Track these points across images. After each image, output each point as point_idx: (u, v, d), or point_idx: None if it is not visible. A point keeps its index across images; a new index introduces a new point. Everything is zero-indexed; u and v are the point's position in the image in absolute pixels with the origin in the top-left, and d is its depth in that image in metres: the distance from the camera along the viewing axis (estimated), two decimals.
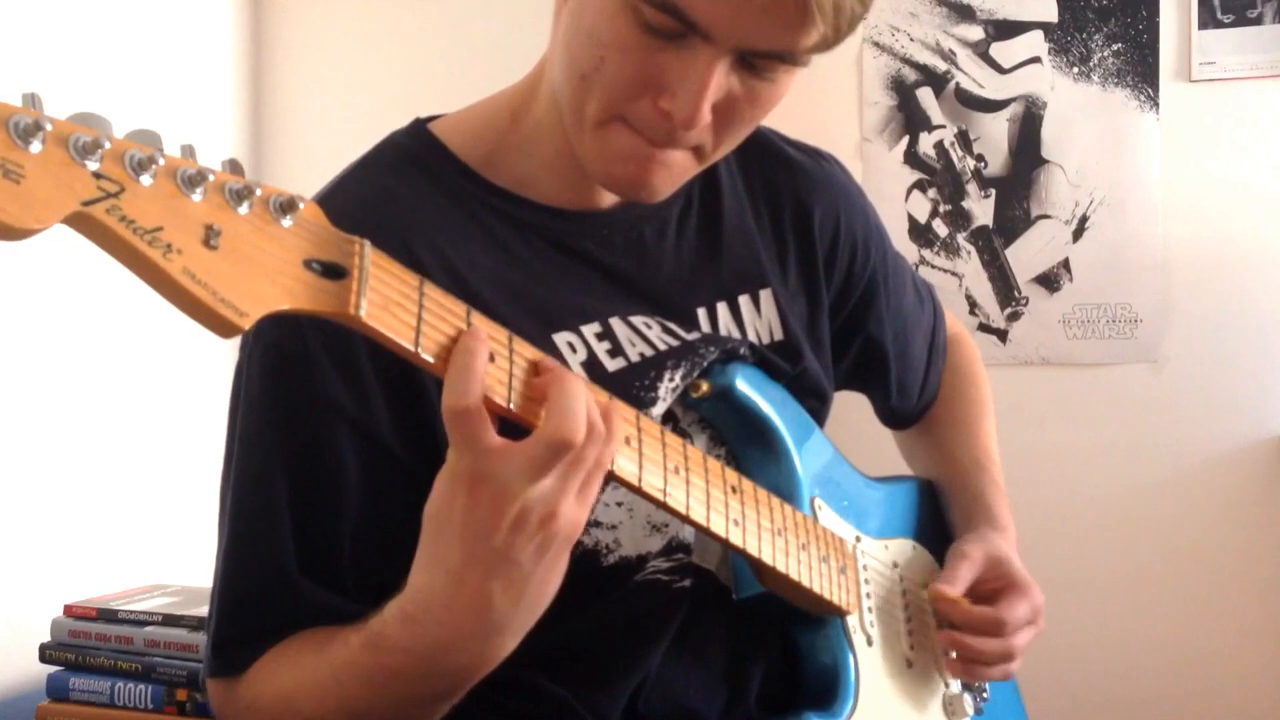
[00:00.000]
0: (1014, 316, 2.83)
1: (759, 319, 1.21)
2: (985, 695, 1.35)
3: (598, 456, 0.85)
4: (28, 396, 2.41)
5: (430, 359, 0.80)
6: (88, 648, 2.18)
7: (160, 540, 2.64)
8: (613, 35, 0.96)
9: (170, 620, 2.18)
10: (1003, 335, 2.83)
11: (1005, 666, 1.25)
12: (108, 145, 0.61)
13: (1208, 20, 2.69)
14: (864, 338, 1.35)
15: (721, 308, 1.19)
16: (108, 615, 2.19)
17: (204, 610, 2.16)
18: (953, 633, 1.24)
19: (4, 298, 2.36)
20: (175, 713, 2.11)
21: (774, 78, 1.00)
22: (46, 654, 2.20)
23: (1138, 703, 2.76)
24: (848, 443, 1.30)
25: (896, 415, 1.49)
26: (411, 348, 0.78)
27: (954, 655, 1.25)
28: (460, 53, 3.05)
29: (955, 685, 1.30)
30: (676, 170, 1.05)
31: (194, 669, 2.10)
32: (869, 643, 1.20)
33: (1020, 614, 1.24)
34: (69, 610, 2.21)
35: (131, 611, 2.20)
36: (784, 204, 1.26)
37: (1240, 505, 2.72)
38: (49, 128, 0.59)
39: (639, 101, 0.99)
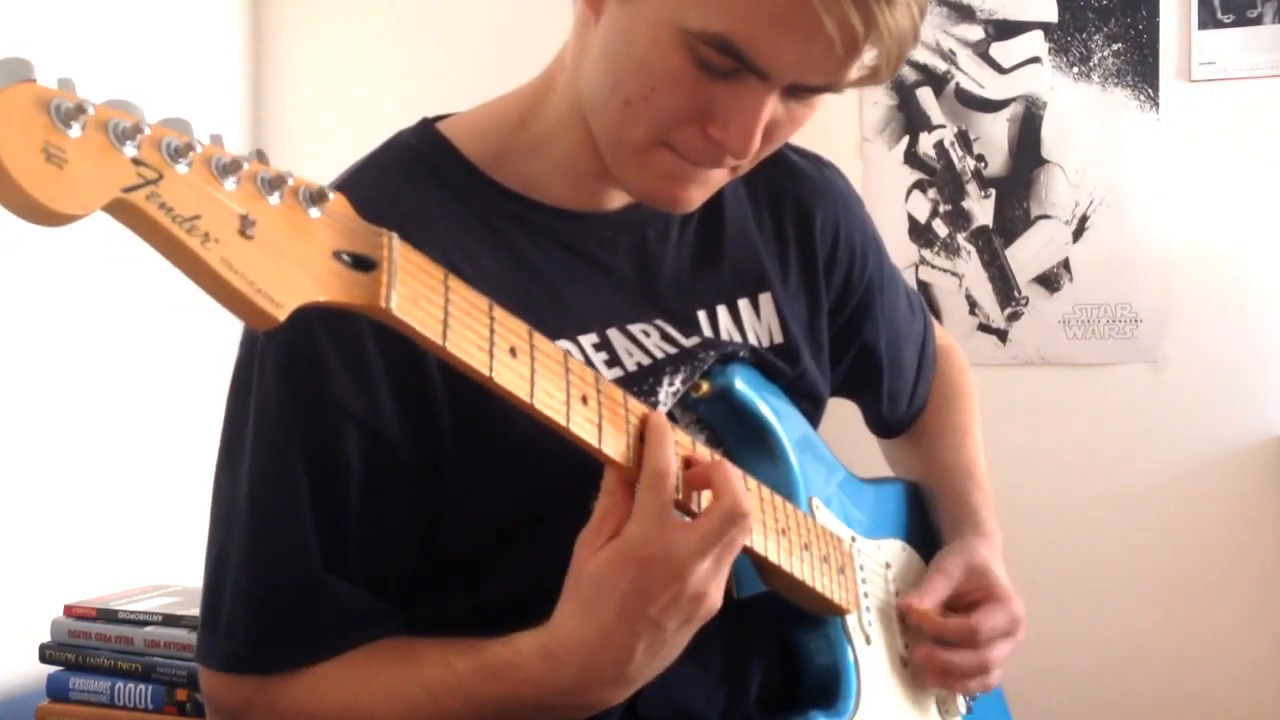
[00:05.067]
0: (1014, 316, 2.83)
1: (759, 322, 1.21)
2: (974, 694, 1.35)
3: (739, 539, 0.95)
4: (28, 397, 2.40)
5: (456, 353, 0.79)
6: (88, 648, 2.18)
7: (160, 540, 2.63)
8: (666, 68, 0.97)
9: (170, 620, 2.18)
10: (1003, 335, 2.84)
11: (982, 679, 1.25)
12: (147, 131, 0.60)
13: (1208, 20, 2.70)
14: (859, 344, 1.36)
15: (722, 310, 1.19)
16: (108, 615, 2.19)
17: None
18: (929, 647, 1.24)
19: (4, 299, 2.35)
20: (175, 713, 2.11)
21: (813, 102, 1.03)
22: (46, 654, 2.20)
23: (1137, 703, 2.76)
24: (839, 446, 1.30)
25: (886, 423, 1.49)
26: (440, 341, 0.78)
27: (932, 670, 1.25)
28: (459, 52, 3.05)
29: None
30: (712, 185, 1.07)
31: (194, 669, 2.08)
32: (867, 641, 1.20)
33: (995, 624, 1.25)
34: (69, 610, 2.21)
35: (131, 611, 2.20)
36: (785, 207, 1.27)
37: (1240, 505, 2.72)
38: (91, 111, 0.58)
39: (686, 128, 1.00)
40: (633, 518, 0.91)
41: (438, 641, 1.02)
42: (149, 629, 2.17)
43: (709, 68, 0.95)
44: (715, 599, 0.94)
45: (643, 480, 0.91)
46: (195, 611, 2.15)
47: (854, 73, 0.98)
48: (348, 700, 1.01)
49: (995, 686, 1.29)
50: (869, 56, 0.96)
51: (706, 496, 0.96)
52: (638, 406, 0.94)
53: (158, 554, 2.62)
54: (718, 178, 1.06)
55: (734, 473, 0.94)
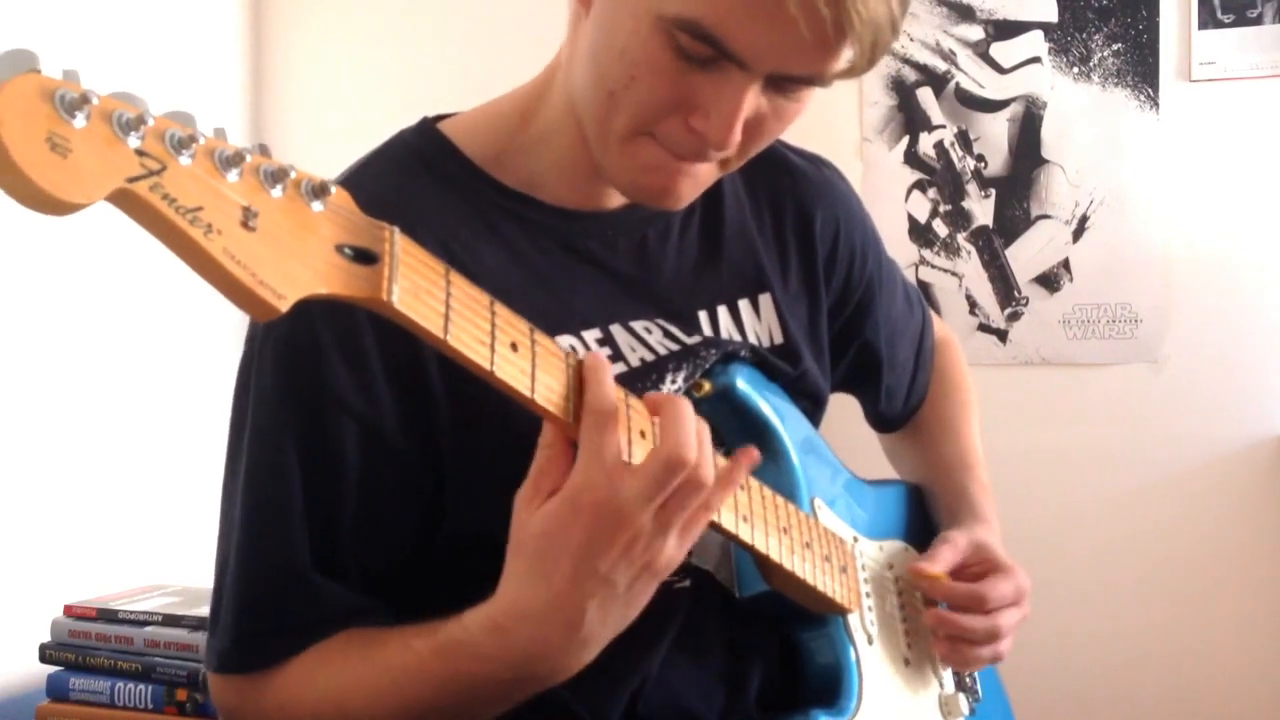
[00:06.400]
0: (1014, 316, 2.83)
1: (759, 323, 1.22)
2: (978, 696, 1.35)
3: (706, 499, 0.90)
4: (28, 396, 2.40)
5: (458, 347, 0.79)
6: (88, 648, 2.18)
7: (160, 540, 2.64)
8: (646, 57, 0.96)
9: (170, 620, 2.18)
10: (1003, 335, 2.84)
11: (993, 646, 1.25)
12: (150, 123, 0.60)
13: (1208, 20, 2.70)
14: (860, 343, 1.37)
15: (722, 311, 1.20)
16: (108, 615, 2.19)
17: (204, 610, 2.17)
18: (939, 610, 1.24)
19: (4, 298, 2.35)
20: (175, 713, 2.11)
21: (799, 96, 1.02)
22: (46, 654, 2.20)
23: (1137, 703, 2.76)
24: (840, 445, 1.30)
25: (884, 418, 1.50)
26: (441, 335, 0.78)
27: (941, 635, 1.25)
28: (459, 52, 3.06)
29: (950, 685, 1.31)
30: (700, 180, 1.06)
31: (194, 669, 2.10)
32: (869, 641, 1.20)
33: (1003, 591, 1.25)
34: (69, 610, 2.21)
35: (131, 611, 2.20)
36: (785, 208, 1.28)
37: (1240, 505, 2.72)
38: (95, 102, 0.58)
39: (669, 120, 1.00)
40: (577, 463, 0.87)
41: (403, 626, 1.00)
42: (149, 629, 2.17)
43: (688, 56, 0.95)
44: (670, 554, 0.90)
45: (585, 421, 0.87)
46: (195, 611, 2.18)
47: (838, 65, 0.97)
48: (320, 692, 1.01)
49: (1004, 657, 1.28)
50: (848, 47, 0.95)
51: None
52: (639, 404, 0.94)
53: (158, 554, 2.62)
54: (706, 173, 1.06)
55: (683, 416, 0.89)
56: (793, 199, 1.28)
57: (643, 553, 0.88)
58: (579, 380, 0.89)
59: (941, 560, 1.26)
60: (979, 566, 1.28)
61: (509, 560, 0.91)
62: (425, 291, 0.77)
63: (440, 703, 0.96)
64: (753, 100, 0.98)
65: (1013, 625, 1.25)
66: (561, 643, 0.90)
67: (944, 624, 1.24)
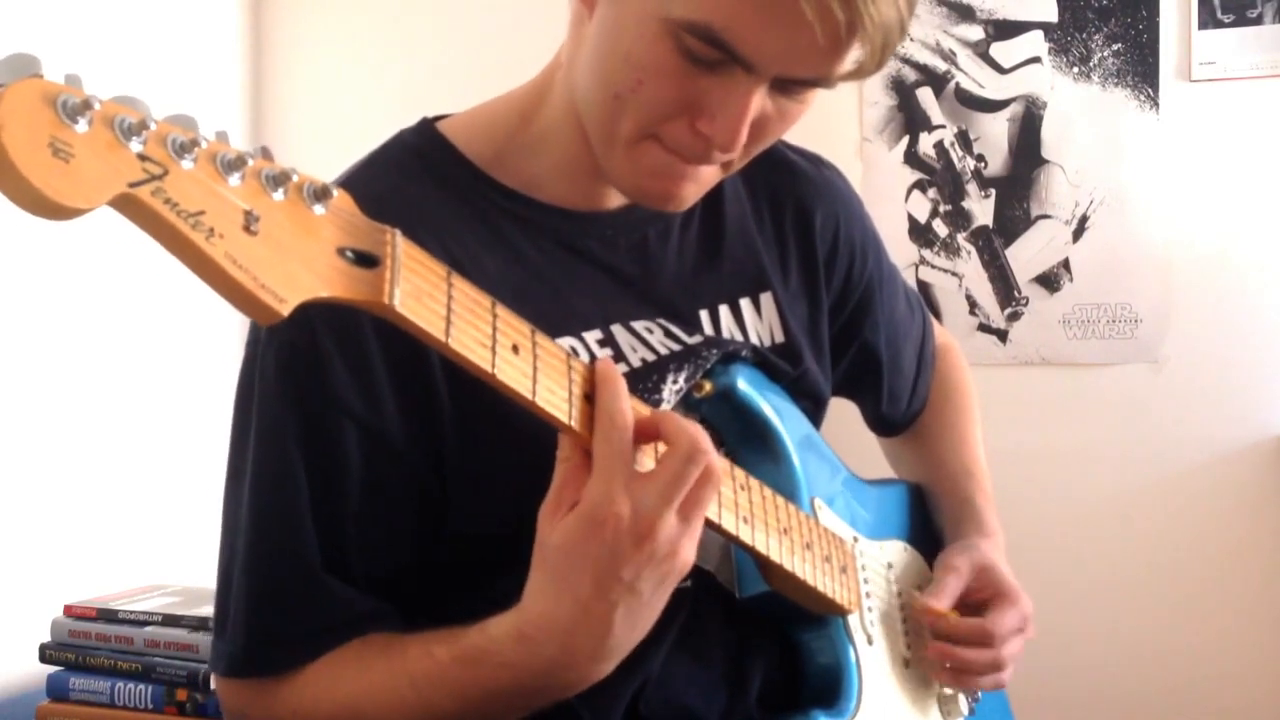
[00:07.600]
0: (1014, 316, 2.83)
1: (760, 322, 1.21)
2: (977, 695, 1.35)
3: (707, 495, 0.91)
4: (28, 396, 2.40)
5: (459, 349, 0.79)
6: (88, 648, 2.18)
7: (160, 540, 2.64)
8: (653, 60, 0.96)
9: (170, 620, 2.18)
10: (1003, 335, 2.84)
11: (996, 676, 1.25)
12: (153, 127, 0.60)
13: (1208, 20, 2.70)
14: (859, 343, 1.36)
15: (723, 310, 1.19)
16: (108, 615, 2.19)
17: (205, 610, 2.17)
18: (943, 644, 1.24)
19: (4, 298, 2.35)
20: (175, 713, 2.11)
21: (804, 98, 1.02)
22: (46, 654, 2.20)
23: (1137, 702, 2.76)
24: (840, 445, 1.30)
25: (886, 422, 1.50)
26: (442, 338, 0.78)
27: (946, 665, 1.25)
28: (459, 52, 3.06)
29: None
30: (703, 182, 1.06)
31: (194, 669, 2.10)
32: (869, 642, 1.20)
33: (1009, 623, 1.25)
34: (69, 610, 2.21)
35: (131, 611, 2.19)
36: (785, 207, 1.27)
37: (1240, 505, 2.72)
38: (97, 107, 0.58)
39: (674, 122, 0.99)
40: (592, 476, 0.87)
41: (423, 632, 1.00)
42: (149, 629, 2.17)
43: (695, 59, 0.95)
44: (686, 556, 0.90)
45: (597, 432, 0.87)
46: (195, 611, 2.18)
47: (846, 66, 0.97)
48: (338, 697, 1.00)
49: (1006, 685, 1.28)
50: (857, 50, 0.95)
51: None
52: (641, 407, 0.94)
53: (158, 554, 2.62)
54: (709, 175, 1.05)
55: (684, 419, 0.90)
56: (793, 198, 1.28)
57: (663, 560, 0.88)
58: (585, 384, 0.89)
59: (948, 593, 1.25)
60: (983, 591, 1.28)
61: (533, 573, 0.91)
62: (427, 294, 0.77)
63: (460, 710, 0.96)
64: (759, 102, 0.98)
65: (1016, 654, 1.26)
66: (590, 651, 0.90)
67: (947, 657, 1.24)
